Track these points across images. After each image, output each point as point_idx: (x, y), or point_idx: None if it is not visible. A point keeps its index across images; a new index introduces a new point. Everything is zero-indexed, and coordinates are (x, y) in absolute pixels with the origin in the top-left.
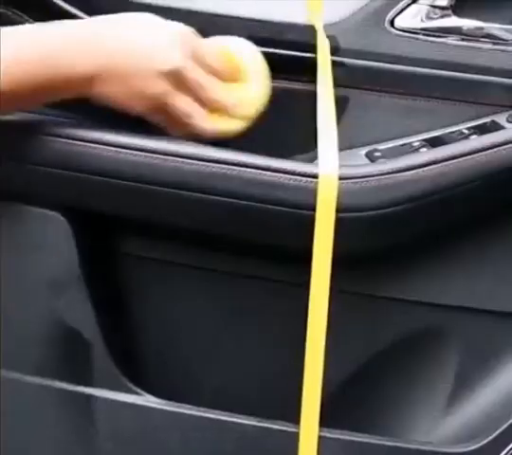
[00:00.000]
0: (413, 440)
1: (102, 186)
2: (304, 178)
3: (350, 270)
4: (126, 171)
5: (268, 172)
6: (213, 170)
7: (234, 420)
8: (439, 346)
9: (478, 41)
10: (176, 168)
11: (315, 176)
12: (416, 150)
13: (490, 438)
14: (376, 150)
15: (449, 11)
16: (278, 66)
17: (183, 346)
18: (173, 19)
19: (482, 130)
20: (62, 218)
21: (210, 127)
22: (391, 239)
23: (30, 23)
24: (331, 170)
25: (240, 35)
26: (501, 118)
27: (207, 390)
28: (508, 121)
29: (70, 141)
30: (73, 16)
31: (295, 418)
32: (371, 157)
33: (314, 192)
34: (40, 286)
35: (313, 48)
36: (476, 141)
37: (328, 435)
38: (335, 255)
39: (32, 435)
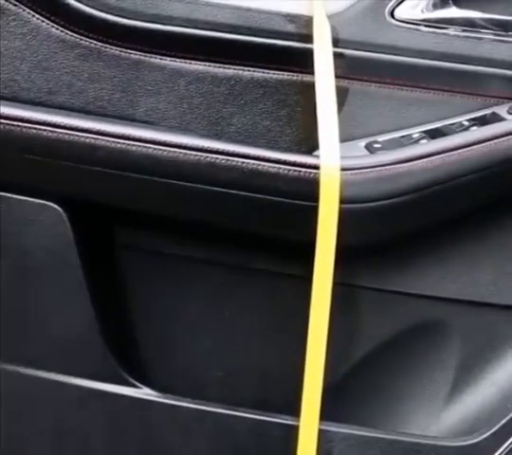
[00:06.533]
0: (413, 433)
1: (100, 176)
2: (306, 169)
3: (350, 263)
4: (124, 161)
5: (269, 164)
6: (213, 160)
7: (234, 413)
8: (439, 339)
9: (479, 32)
10: (175, 158)
11: (316, 167)
12: (416, 141)
13: (490, 432)
14: (376, 141)
15: (450, 2)
16: (278, 57)
17: (182, 338)
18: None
19: (482, 121)
20: (59, 209)
21: None
22: (391, 231)
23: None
24: (332, 161)
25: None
26: (501, 110)
27: (205, 383)
28: (509, 113)
29: (67, 131)
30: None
31: (295, 411)
32: (370, 149)
33: (316, 184)
34: (37, 276)
35: (313, 39)
36: (476, 133)
37: (328, 428)
38: (337, 247)
39: (29, 427)
